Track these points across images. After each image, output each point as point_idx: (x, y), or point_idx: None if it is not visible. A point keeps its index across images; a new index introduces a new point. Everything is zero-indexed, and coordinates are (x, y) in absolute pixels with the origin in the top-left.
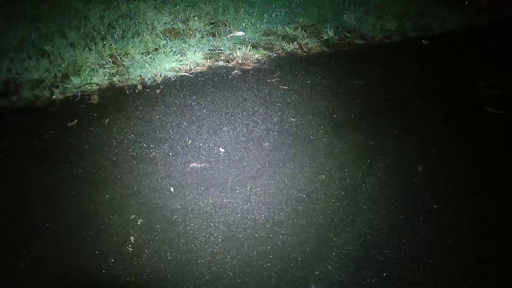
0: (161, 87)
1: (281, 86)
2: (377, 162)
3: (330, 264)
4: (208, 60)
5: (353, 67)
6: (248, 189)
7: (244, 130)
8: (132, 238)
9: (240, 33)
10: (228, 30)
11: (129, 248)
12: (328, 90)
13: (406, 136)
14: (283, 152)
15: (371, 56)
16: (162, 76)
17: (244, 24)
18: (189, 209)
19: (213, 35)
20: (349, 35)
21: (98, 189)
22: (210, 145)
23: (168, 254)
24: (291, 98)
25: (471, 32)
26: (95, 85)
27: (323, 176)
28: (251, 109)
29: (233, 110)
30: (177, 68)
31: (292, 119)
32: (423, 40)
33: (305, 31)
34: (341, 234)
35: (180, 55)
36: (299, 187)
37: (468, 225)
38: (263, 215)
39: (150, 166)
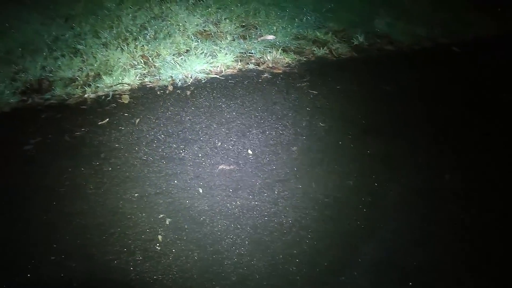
0: (192, 89)
1: (310, 91)
2: (404, 169)
3: (355, 270)
4: (239, 63)
5: (383, 73)
6: (275, 192)
7: (273, 134)
8: (160, 237)
9: (271, 37)
10: (259, 34)
11: (157, 247)
12: (357, 96)
13: (434, 143)
14: (311, 157)
15: (400, 62)
16: (193, 77)
17: (274, 28)
18: (217, 210)
19: (244, 38)
20: (379, 40)
21: (127, 187)
22: (239, 147)
23: (195, 254)
24: (320, 102)
25: (504, 40)
26: (126, 85)
27: (351, 182)
28: (280, 112)
29: (262, 113)
30: (207, 70)
31: (321, 124)
32: (454, 47)
33: (335, 35)
34: (367, 241)
35: (211, 57)
36: (326, 192)
37: (498, 236)
38: (290, 219)
39: (179, 167)
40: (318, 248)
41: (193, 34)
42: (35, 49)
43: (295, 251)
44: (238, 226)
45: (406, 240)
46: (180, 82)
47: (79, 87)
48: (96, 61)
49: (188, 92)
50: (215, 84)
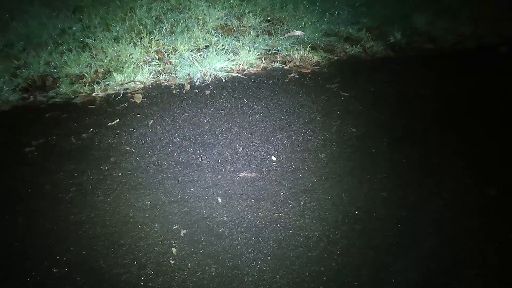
0: (211, 88)
1: (341, 93)
2: (443, 181)
3: None
4: (263, 61)
5: (421, 75)
6: (301, 203)
7: (300, 139)
8: (174, 250)
9: (299, 33)
10: (286, 29)
11: (170, 261)
12: (393, 99)
13: (477, 154)
14: (341, 165)
15: (441, 63)
16: (213, 76)
17: (303, 23)
18: (237, 222)
19: (269, 34)
20: (417, 38)
21: (139, 194)
22: (262, 153)
23: (213, 269)
24: (352, 106)
25: None
26: (139, 83)
27: (384, 194)
28: (308, 116)
29: (289, 117)
30: (229, 68)
31: (352, 130)
32: (501, 47)
33: (369, 32)
34: (401, 259)
35: (232, 54)
36: (357, 204)
37: None
38: (317, 233)
39: (196, 173)
40: (347, 265)
41: (213, 28)
42: (38, 42)
43: (322, 268)
44: (260, 240)
45: (445, 261)
46: (198, 81)
47: (87, 84)
48: (106, 56)
49: (207, 92)
50: (237, 83)
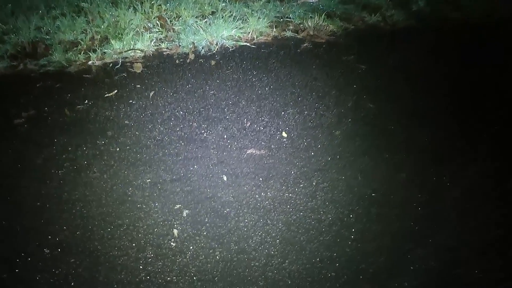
0: (217, 58)
1: (358, 65)
2: (468, 164)
3: (406, 280)
4: (274, 30)
5: (446, 47)
6: (313, 183)
7: (313, 115)
8: (175, 232)
9: None
10: None
11: (171, 243)
12: (414, 74)
13: (507, 134)
14: (357, 143)
15: (469, 34)
16: (219, 45)
17: None
18: (244, 202)
19: (281, 0)
20: (443, 7)
21: (138, 171)
22: (272, 129)
23: (217, 253)
24: (369, 80)
25: None
26: (139, 51)
27: (403, 175)
28: (321, 90)
29: (301, 90)
30: (236, 37)
31: (370, 105)
32: None
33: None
34: (421, 246)
35: (241, 21)
36: (374, 186)
37: None
38: (329, 216)
39: (201, 150)
40: (362, 251)
41: None
42: (29, 6)
43: (335, 254)
44: (269, 222)
45: (468, 249)
46: (203, 50)
47: (83, 52)
48: (104, 22)
49: (213, 62)
50: (245, 53)
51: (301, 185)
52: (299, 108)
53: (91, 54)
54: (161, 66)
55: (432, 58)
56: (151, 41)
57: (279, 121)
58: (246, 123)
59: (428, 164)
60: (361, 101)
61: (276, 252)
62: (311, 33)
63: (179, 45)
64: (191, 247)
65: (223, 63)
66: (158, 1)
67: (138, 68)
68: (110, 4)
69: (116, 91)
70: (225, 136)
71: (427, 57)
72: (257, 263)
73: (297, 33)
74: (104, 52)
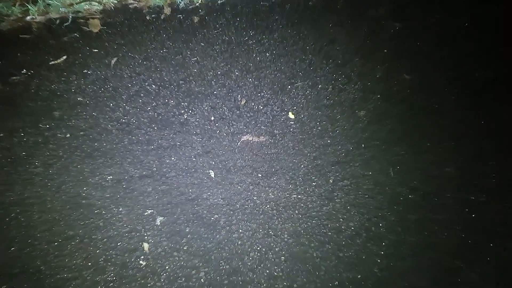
0: (201, 13)
1: (390, 23)
2: None
3: None
4: None
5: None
6: (330, 181)
7: (329, 89)
8: (146, 246)
9: None
10: None
11: (140, 261)
12: (465, 35)
13: None
14: (388, 127)
15: None
16: None
17: None
18: (237, 206)
19: None
20: None
21: (96, 165)
22: (275, 108)
23: (202, 274)
24: (405, 42)
25: None
26: (96, 3)
27: (451, 170)
28: (340, 56)
29: (313, 57)
30: None
31: (406, 76)
32: None
33: None
34: (477, 265)
35: None
36: (411, 184)
37: None
38: (351, 224)
39: (180, 136)
40: (397, 272)
41: None
42: None
43: (359, 276)
44: (271, 232)
45: None
46: (183, 2)
47: (17, 4)
48: None
49: (196, 19)
50: (240, 7)
51: (314, 183)
52: (311, 80)
53: (29, 7)
54: (127, 24)
55: (488, 16)
56: None
57: (284, 98)
58: (241, 101)
59: (485, 155)
60: (394, 70)
61: (280, 273)
62: None
63: None
64: (166, 267)
65: (209, 20)
66: None
67: (95, 26)
68: None
69: (65, 57)
70: (212, 118)
71: (482, 14)
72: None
73: None
74: (48, 4)
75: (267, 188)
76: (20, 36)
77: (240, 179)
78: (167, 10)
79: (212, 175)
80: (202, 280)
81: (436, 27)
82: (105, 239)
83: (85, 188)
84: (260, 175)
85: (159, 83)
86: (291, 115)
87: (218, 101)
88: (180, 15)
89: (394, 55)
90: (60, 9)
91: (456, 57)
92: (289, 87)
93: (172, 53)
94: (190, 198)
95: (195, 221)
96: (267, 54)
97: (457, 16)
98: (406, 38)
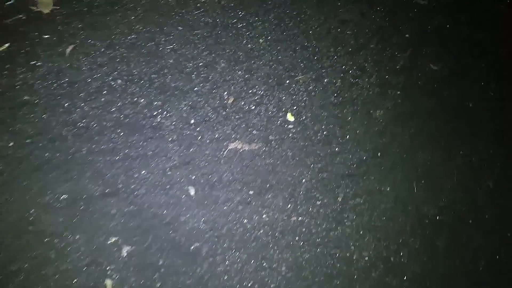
0: None
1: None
2: None
3: None
4: None
5: None
6: (339, 199)
7: (337, 83)
8: (109, 283)
9: None
10: None
11: None
12: None
13: None
14: (412, 132)
15: None
16: None
17: None
18: (223, 231)
19: None
20: None
21: (47, 181)
22: (270, 108)
23: None
24: (433, 22)
25: None
26: None
27: (490, 184)
28: (353, 41)
29: (318, 43)
30: None
31: (433, 67)
32: None
33: None
34: None
35: None
36: (441, 202)
37: None
38: (366, 254)
39: (152, 142)
40: None
41: None
42: None
43: None
44: (265, 264)
45: None
46: None
47: None
48: None
49: None
50: None
51: (319, 202)
52: (315, 73)
53: None
54: (85, 2)
55: None
56: None
57: (282, 95)
58: (227, 99)
59: None
60: (418, 60)
61: None
62: None
63: None
64: None
65: None
66: None
67: (45, 5)
68: None
69: (7, 44)
70: (192, 121)
71: None
72: None
73: None
74: None
75: (260, 209)
76: None
77: (226, 197)
78: None
79: (192, 193)
80: None
81: (473, 3)
82: (57, 275)
83: (32, 211)
84: (252, 192)
85: (126, 77)
86: (290, 117)
87: (199, 99)
88: None
89: (418, 40)
90: None
91: (496, 42)
92: (287, 81)
93: (142, 39)
94: (164, 221)
95: (170, 251)
96: (261, 40)
97: None
98: (434, 18)
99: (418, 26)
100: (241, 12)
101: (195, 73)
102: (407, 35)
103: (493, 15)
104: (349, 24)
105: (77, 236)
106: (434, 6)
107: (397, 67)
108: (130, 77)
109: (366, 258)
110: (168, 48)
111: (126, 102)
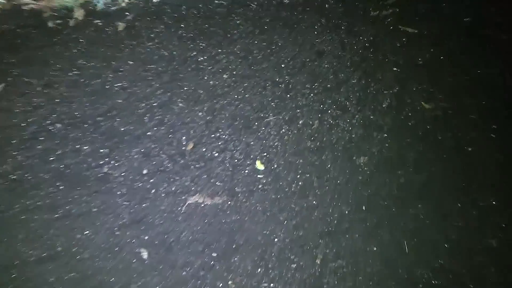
0: (129, 17)
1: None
2: None
3: None
4: None
5: None
6: (318, 261)
7: (315, 125)
8: None
9: None
10: None
11: None
12: None
13: None
14: (401, 181)
15: None
16: None
17: None
18: None
19: None
20: None
21: None
22: (236, 155)
23: None
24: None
25: None
26: None
27: (493, 243)
28: (331, 77)
29: (291, 78)
30: None
31: (426, 105)
32: None
33: None
34: None
35: None
36: (436, 263)
37: None
38: None
39: (98, 197)
40: None
41: None
42: None
43: None
44: None
45: None
46: (101, 1)
47: None
48: None
49: (122, 26)
50: (184, 8)
51: (294, 265)
52: (288, 114)
53: None
54: (20, 33)
55: None
56: None
57: (250, 140)
58: (186, 145)
59: None
60: (408, 97)
61: None
62: None
63: None
64: None
65: (141, 27)
66: None
67: None
68: None
69: None
70: (145, 171)
71: None
72: None
73: None
74: None
75: (225, 274)
76: None
77: (185, 260)
78: (79, 14)
79: (145, 256)
80: None
81: (471, 32)
82: None
83: None
84: (216, 254)
85: (67, 121)
86: (259, 165)
87: (153, 145)
88: (98, 21)
89: (408, 74)
90: None
91: (498, 76)
92: (256, 123)
93: (86, 76)
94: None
95: None
96: (225, 76)
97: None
98: (425, 49)
99: (407, 58)
100: (202, 44)
101: (148, 115)
102: (394, 69)
103: (495, 45)
104: (327, 56)
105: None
106: (425, 34)
107: (384, 105)
108: (71, 121)
109: None
110: (116, 86)
111: (67, 149)
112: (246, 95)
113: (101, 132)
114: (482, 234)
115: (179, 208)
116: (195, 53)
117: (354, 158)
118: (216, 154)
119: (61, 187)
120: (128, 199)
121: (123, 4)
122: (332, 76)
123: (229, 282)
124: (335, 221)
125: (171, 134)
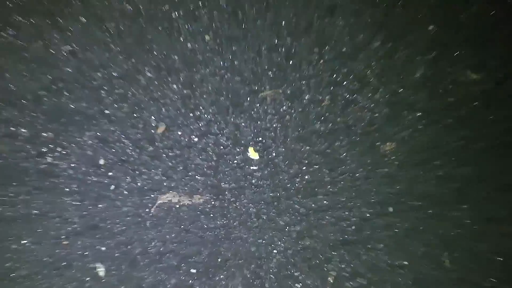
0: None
1: None
2: None
3: None
4: None
5: None
6: (331, 280)
7: (325, 101)
8: None
9: None
10: None
11: None
12: None
13: None
14: (440, 174)
15: None
16: None
17: None
18: None
19: None
20: None
21: None
22: (222, 141)
23: None
24: None
25: None
26: None
27: None
28: (347, 39)
29: (294, 40)
30: None
31: (473, 76)
32: None
33: None
34: None
35: None
36: (485, 280)
37: None
38: None
39: (40, 197)
40: None
41: None
42: None
43: None
44: None
45: None
46: None
47: None
48: None
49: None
50: None
51: (298, 285)
52: (290, 86)
53: None
54: None
55: None
56: None
57: (240, 121)
58: (156, 127)
59: None
60: (448, 65)
61: None
62: None
63: None
64: None
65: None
66: None
67: None
68: None
69: None
70: (101, 162)
71: None
72: None
73: None
74: None
75: None
76: None
77: (155, 279)
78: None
79: (102, 273)
80: None
81: None
82: None
83: None
84: (195, 270)
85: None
86: (252, 154)
87: (112, 128)
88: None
89: (448, 35)
90: None
91: None
92: (248, 99)
93: (24, 37)
94: None
95: None
96: (207, 37)
97: None
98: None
99: (447, 13)
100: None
101: (105, 87)
102: (430, 27)
103: None
104: (341, 10)
105: None
106: None
107: (416, 75)
108: (4, 96)
109: None
110: (63, 51)
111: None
112: (235, 62)
113: (43, 111)
114: None
115: (146, 210)
116: (167, 6)
117: (377, 144)
118: (196, 139)
119: (25, 200)
120: (79, 198)
121: None
122: (347, 38)
123: None
124: (353, 227)
125: (136, 113)
